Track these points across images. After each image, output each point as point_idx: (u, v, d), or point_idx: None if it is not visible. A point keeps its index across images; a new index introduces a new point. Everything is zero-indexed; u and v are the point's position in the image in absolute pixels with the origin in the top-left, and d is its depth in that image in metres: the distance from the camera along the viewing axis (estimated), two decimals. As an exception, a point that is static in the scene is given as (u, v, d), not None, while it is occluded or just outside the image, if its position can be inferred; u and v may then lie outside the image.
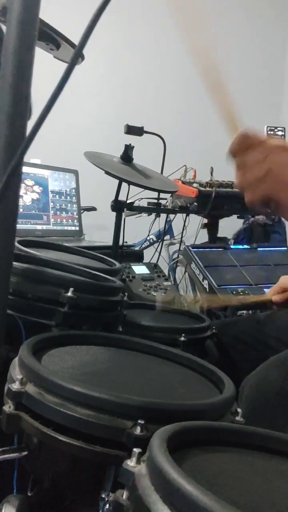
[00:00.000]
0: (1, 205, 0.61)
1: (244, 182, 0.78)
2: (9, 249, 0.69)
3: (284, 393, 0.95)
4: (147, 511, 0.41)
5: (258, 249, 1.83)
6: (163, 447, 0.46)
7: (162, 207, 2.01)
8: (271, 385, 0.98)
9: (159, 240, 2.26)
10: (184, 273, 2.15)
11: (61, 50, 1.09)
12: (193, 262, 1.70)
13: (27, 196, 1.93)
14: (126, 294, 1.03)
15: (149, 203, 2.01)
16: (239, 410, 0.69)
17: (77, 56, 0.53)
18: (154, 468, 0.44)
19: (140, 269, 1.72)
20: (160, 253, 2.15)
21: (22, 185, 1.91)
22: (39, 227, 1.94)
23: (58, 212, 2.03)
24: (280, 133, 2.12)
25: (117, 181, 1.65)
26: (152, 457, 0.45)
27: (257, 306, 1.56)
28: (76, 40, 0.57)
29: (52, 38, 1.04)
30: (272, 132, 2.12)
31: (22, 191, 1.91)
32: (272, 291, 1.34)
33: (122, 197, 1.74)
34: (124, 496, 0.45)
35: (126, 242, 1.95)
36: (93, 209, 2.65)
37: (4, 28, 0.65)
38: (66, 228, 2.06)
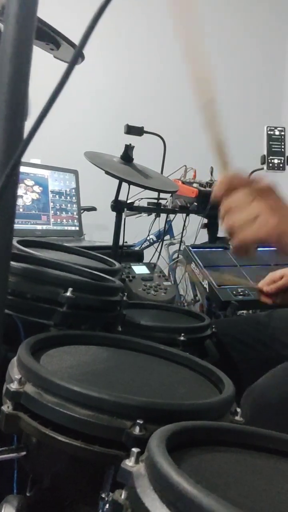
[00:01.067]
0: (-1, 204, 0.61)
1: (232, 224, 0.77)
2: (7, 249, 0.69)
3: (283, 407, 0.95)
4: (145, 510, 0.41)
5: (258, 249, 1.83)
6: (162, 447, 0.46)
7: (162, 207, 2.01)
8: (275, 396, 0.98)
9: (159, 240, 2.26)
10: (184, 273, 2.15)
11: (61, 50, 1.08)
12: (193, 262, 1.69)
13: (27, 196, 1.93)
14: (126, 294, 1.03)
15: (149, 203, 2.01)
16: (238, 410, 0.68)
17: (77, 56, 0.53)
18: (152, 468, 0.44)
19: (140, 269, 1.72)
20: (160, 253, 2.15)
21: (22, 185, 1.91)
22: (39, 227, 1.94)
23: (58, 212, 2.03)
24: (280, 133, 2.12)
25: (117, 181, 1.65)
26: (150, 457, 0.45)
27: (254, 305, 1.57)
28: (76, 40, 0.56)
29: (52, 38, 1.03)
30: (272, 132, 2.12)
31: (22, 191, 1.91)
32: (262, 283, 1.34)
33: (122, 197, 1.74)
34: (123, 496, 0.45)
35: (126, 242, 1.95)
36: (93, 209, 2.65)
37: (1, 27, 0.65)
38: (66, 228, 2.06)
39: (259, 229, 0.75)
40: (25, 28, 0.61)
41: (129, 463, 0.47)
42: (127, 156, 1.62)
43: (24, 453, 0.67)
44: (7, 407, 0.64)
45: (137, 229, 2.20)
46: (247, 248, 0.79)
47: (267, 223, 0.74)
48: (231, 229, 0.77)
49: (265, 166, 2.13)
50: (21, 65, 0.62)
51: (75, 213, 2.11)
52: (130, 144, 1.63)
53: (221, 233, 2.24)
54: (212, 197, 0.80)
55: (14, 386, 0.64)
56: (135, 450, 0.48)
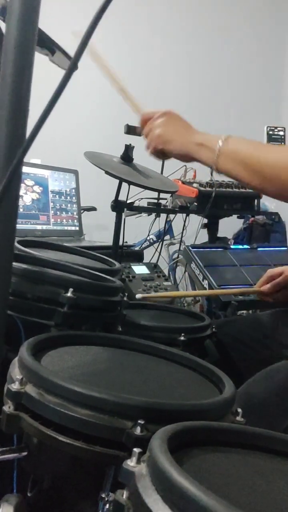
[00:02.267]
0: (1, 206, 0.61)
1: (147, 137, 1.14)
2: (9, 249, 0.69)
3: (267, 407, 0.96)
4: (148, 510, 0.41)
5: (258, 249, 1.83)
6: (164, 447, 0.46)
7: (162, 207, 2.01)
8: (258, 397, 0.98)
9: (159, 240, 2.26)
10: (184, 273, 2.15)
11: (56, 56, 1.09)
12: (193, 262, 1.69)
13: (27, 196, 1.93)
14: (126, 294, 1.03)
15: (149, 203, 2.00)
16: (239, 410, 0.69)
17: (72, 70, 0.53)
18: (154, 468, 0.44)
19: (140, 269, 1.72)
20: (160, 253, 2.15)
21: (22, 185, 1.91)
22: (39, 227, 1.94)
23: (58, 212, 2.03)
24: (280, 133, 2.12)
25: (117, 181, 1.65)
26: (152, 457, 0.45)
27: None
28: (76, 40, 0.56)
29: (46, 45, 1.04)
30: (272, 132, 2.12)
31: (22, 191, 1.91)
32: (260, 283, 1.35)
33: (122, 197, 1.74)
34: (124, 496, 0.45)
35: (126, 242, 1.95)
36: (93, 209, 2.65)
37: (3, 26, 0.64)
38: (66, 228, 2.06)
39: (162, 130, 1.10)
40: (28, 30, 0.61)
41: (130, 463, 0.48)
42: (127, 156, 1.62)
43: (25, 453, 0.67)
44: (8, 407, 0.64)
45: (137, 229, 2.20)
46: (161, 154, 1.13)
47: (167, 128, 1.10)
48: (147, 142, 1.13)
49: (265, 166, 2.12)
50: (24, 66, 0.62)
51: (75, 213, 2.11)
52: (130, 144, 1.63)
53: (221, 233, 2.25)
54: (139, 128, 1.20)
55: (15, 387, 0.64)
56: (136, 450, 0.48)
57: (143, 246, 2.40)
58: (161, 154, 1.12)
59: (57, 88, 0.54)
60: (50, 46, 1.03)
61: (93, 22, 0.52)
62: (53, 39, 1.03)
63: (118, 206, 1.72)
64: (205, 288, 1.61)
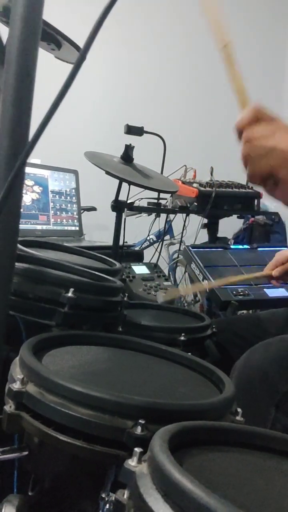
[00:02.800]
0: (4, 207, 0.61)
1: (248, 155, 0.78)
2: (12, 250, 0.69)
3: (267, 377, 0.97)
4: (148, 510, 0.41)
5: (258, 249, 1.84)
6: (164, 446, 0.46)
7: (162, 207, 2.01)
8: (255, 369, 0.99)
9: (159, 240, 2.26)
10: (184, 273, 2.16)
11: (63, 50, 1.08)
12: (193, 262, 1.70)
13: (27, 196, 1.93)
14: (126, 294, 1.04)
15: (149, 203, 2.01)
16: (239, 410, 0.69)
17: (79, 64, 0.53)
18: (155, 467, 0.44)
19: (140, 269, 1.72)
20: (160, 253, 2.16)
21: (22, 185, 1.91)
22: (39, 227, 1.94)
23: (58, 212, 2.03)
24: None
25: (117, 181, 1.65)
26: (153, 456, 0.45)
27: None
28: (77, 39, 0.57)
29: (53, 38, 1.03)
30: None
31: (22, 191, 1.91)
32: (269, 267, 1.35)
33: (122, 197, 1.74)
34: (125, 496, 0.45)
35: (126, 242, 1.95)
36: (93, 209, 2.65)
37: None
38: (66, 228, 2.06)
39: (274, 161, 0.76)
40: (31, 30, 0.61)
41: (131, 463, 0.48)
42: (127, 156, 1.62)
43: (25, 452, 0.67)
44: (9, 407, 0.64)
45: (137, 229, 2.21)
46: (261, 179, 0.80)
47: (282, 156, 0.75)
48: (248, 157, 0.78)
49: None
50: (27, 66, 0.62)
51: (75, 213, 2.12)
52: (130, 144, 1.63)
53: (221, 233, 2.25)
54: (236, 125, 0.81)
55: (16, 386, 0.64)
56: (137, 450, 0.48)
57: (143, 246, 2.41)
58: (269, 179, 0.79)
59: (66, 80, 0.54)
60: (57, 39, 1.02)
61: (102, 13, 0.52)
62: (60, 30, 1.01)
63: (118, 206, 1.72)
64: (205, 288, 1.61)
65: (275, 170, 0.76)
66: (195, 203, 2.00)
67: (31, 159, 2.05)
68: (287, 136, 0.76)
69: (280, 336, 1.08)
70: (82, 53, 0.52)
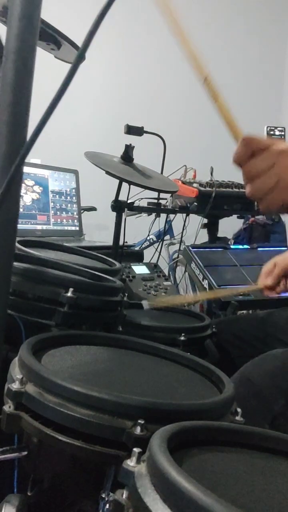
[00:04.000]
0: (2, 206, 0.61)
1: (256, 192, 0.76)
2: (10, 249, 0.69)
3: (261, 395, 0.96)
4: (147, 510, 0.41)
5: (258, 249, 1.84)
6: (163, 447, 0.46)
7: (162, 207, 2.01)
8: (250, 386, 0.99)
9: (159, 240, 2.26)
10: (184, 273, 2.15)
11: (62, 49, 1.08)
12: (193, 262, 1.70)
13: (27, 196, 1.93)
14: (126, 294, 1.03)
15: (149, 203, 2.01)
16: (239, 410, 0.69)
17: (79, 61, 0.53)
18: (154, 467, 0.44)
19: (140, 269, 1.72)
20: (160, 253, 2.15)
21: (22, 185, 1.91)
22: (39, 227, 1.94)
23: (58, 212, 2.03)
24: (280, 133, 2.12)
25: (117, 181, 1.66)
26: (152, 456, 0.45)
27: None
28: (76, 39, 0.57)
29: (53, 38, 1.03)
30: (272, 132, 2.12)
31: (22, 191, 1.90)
32: (261, 279, 1.34)
33: (122, 197, 1.74)
34: (124, 496, 0.45)
35: (126, 242, 1.95)
36: (93, 209, 2.65)
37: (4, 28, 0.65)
38: (66, 228, 2.06)
39: (281, 194, 0.75)
40: (29, 29, 0.61)
41: (130, 463, 0.48)
42: (127, 156, 1.62)
43: (25, 453, 0.67)
44: (9, 407, 0.64)
45: (137, 229, 2.21)
46: (275, 211, 0.82)
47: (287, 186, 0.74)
48: (256, 196, 0.77)
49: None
50: (25, 66, 0.62)
51: (75, 213, 2.12)
52: (130, 144, 1.63)
53: (221, 233, 2.25)
54: (233, 162, 0.78)
55: (15, 386, 0.64)
56: (136, 450, 0.48)
57: (143, 246, 2.41)
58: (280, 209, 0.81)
59: (62, 84, 0.53)
60: (56, 39, 1.02)
61: (101, 12, 0.52)
62: (59, 30, 1.01)
63: (118, 206, 1.72)
64: (205, 288, 1.61)
65: (286, 202, 0.76)
66: (195, 203, 1.99)
67: (31, 159, 2.05)
68: (286, 163, 0.74)
69: (275, 350, 1.08)
70: (81, 52, 0.51)
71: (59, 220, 2.03)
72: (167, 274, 1.91)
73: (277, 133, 2.10)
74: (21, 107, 0.63)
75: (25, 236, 1.43)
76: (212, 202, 1.93)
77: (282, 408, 0.92)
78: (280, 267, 1.30)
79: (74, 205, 2.12)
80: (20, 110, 0.63)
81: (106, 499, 0.61)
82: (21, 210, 1.88)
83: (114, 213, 1.74)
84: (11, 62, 0.61)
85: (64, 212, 2.06)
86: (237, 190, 2.11)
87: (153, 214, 2.28)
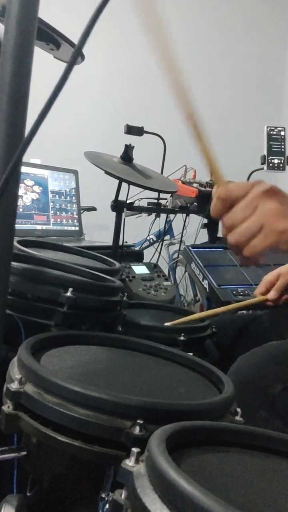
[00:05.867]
0: (0, 206, 0.61)
1: (238, 241, 0.72)
2: (8, 248, 0.69)
3: (259, 378, 0.97)
4: (146, 510, 0.41)
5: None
6: (162, 446, 0.46)
7: (162, 207, 2.01)
8: (247, 373, 0.99)
9: (159, 240, 2.26)
10: (184, 273, 2.15)
11: (61, 50, 1.08)
12: (193, 262, 1.70)
13: (27, 196, 1.93)
14: (126, 294, 1.03)
15: (149, 203, 2.01)
16: (238, 410, 0.69)
17: (76, 56, 0.53)
18: (152, 467, 0.44)
19: (140, 269, 1.72)
20: (160, 253, 2.16)
21: (22, 185, 1.91)
22: (39, 227, 1.94)
23: (58, 212, 2.03)
24: (281, 133, 2.12)
25: (117, 181, 1.66)
26: (150, 456, 0.45)
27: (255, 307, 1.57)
28: (76, 40, 0.57)
29: (52, 38, 1.04)
30: (272, 132, 2.12)
31: (22, 191, 1.91)
32: (261, 291, 1.32)
33: (122, 197, 1.75)
34: (123, 496, 0.45)
35: (126, 242, 1.95)
36: (93, 209, 2.65)
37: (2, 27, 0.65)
38: (66, 228, 2.06)
39: (266, 239, 0.71)
40: (26, 28, 0.61)
41: (129, 463, 0.48)
42: (127, 156, 1.62)
43: (24, 453, 0.67)
44: (8, 407, 0.64)
45: (137, 229, 2.21)
46: (257, 259, 0.76)
47: (273, 231, 0.71)
48: (237, 245, 0.73)
49: (265, 166, 2.13)
50: (23, 65, 0.62)
51: (75, 213, 2.12)
52: (130, 144, 1.63)
53: (221, 233, 2.25)
54: (212, 215, 0.75)
55: (14, 386, 0.64)
56: (135, 450, 0.48)
57: (143, 246, 2.41)
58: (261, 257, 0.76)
59: (59, 81, 0.53)
60: (55, 39, 1.02)
61: (97, 9, 0.52)
62: (59, 30, 1.02)
63: (118, 206, 1.72)
64: (205, 288, 1.61)
65: (273, 247, 0.72)
66: (195, 203, 2.00)
67: (31, 159, 2.06)
68: (269, 206, 0.70)
69: (275, 342, 1.08)
70: (77, 48, 0.51)
71: (59, 220, 2.03)
72: (167, 274, 1.91)
73: (277, 133, 2.10)
74: (19, 107, 0.63)
75: (24, 236, 1.43)
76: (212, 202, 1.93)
77: (279, 392, 0.92)
78: (285, 279, 1.29)
79: (74, 205, 2.12)
80: (18, 110, 0.63)
81: (106, 499, 0.61)
82: (20, 210, 1.88)
83: (114, 213, 1.74)
84: (9, 62, 0.61)
85: (64, 212, 2.06)
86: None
87: (153, 214, 2.28)
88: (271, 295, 1.28)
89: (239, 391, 0.68)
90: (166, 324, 1.14)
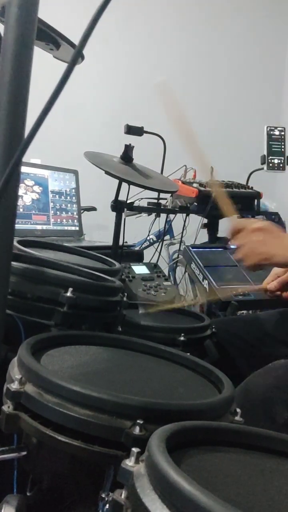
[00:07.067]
0: (0, 206, 0.61)
1: (239, 258, 1.11)
2: (8, 248, 0.69)
3: (266, 404, 0.96)
4: (145, 510, 0.41)
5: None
6: (162, 446, 0.46)
7: (162, 207, 2.01)
8: (255, 396, 0.99)
9: (159, 240, 2.26)
10: (184, 273, 2.15)
11: (61, 50, 1.08)
12: (193, 262, 1.69)
13: (27, 196, 1.93)
14: (126, 294, 1.03)
15: (149, 203, 2.01)
16: (238, 410, 0.69)
17: (76, 57, 0.53)
18: (152, 467, 0.44)
19: (140, 269, 1.72)
20: (160, 253, 2.15)
21: (22, 185, 1.91)
22: (39, 227, 1.94)
23: (58, 212, 2.03)
24: (280, 133, 2.12)
25: (117, 181, 1.65)
26: (150, 456, 0.45)
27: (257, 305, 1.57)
28: (76, 40, 0.57)
29: (52, 38, 1.03)
30: (272, 132, 2.12)
31: (22, 191, 1.91)
32: (268, 280, 1.34)
33: (122, 197, 1.74)
34: (123, 496, 0.45)
35: (126, 242, 1.95)
36: (93, 209, 2.65)
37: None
38: (66, 228, 2.06)
39: (252, 259, 1.08)
40: (26, 28, 0.61)
41: (129, 463, 0.48)
42: (127, 156, 1.62)
43: (24, 453, 0.67)
44: (8, 407, 0.64)
45: (137, 229, 2.20)
46: (258, 266, 1.10)
47: (254, 253, 1.07)
48: (243, 256, 1.09)
49: (265, 166, 2.13)
50: (22, 65, 0.62)
51: (75, 213, 2.11)
52: (130, 144, 1.63)
53: (221, 233, 2.25)
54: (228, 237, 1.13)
55: (14, 386, 0.64)
56: (135, 450, 0.48)
57: (143, 246, 2.40)
58: (259, 266, 1.10)
59: (59, 82, 0.53)
60: (55, 39, 1.02)
61: (98, 10, 0.52)
62: (58, 30, 1.01)
63: (118, 206, 1.72)
64: (205, 288, 1.61)
65: (259, 263, 1.08)
66: (195, 203, 1.99)
67: (31, 159, 2.05)
68: (254, 237, 1.08)
69: (283, 360, 1.07)
70: (78, 49, 0.51)
71: (59, 220, 2.03)
72: (167, 274, 1.91)
73: (277, 133, 2.10)
74: (19, 107, 0.63)
75: (24, 236, 1.43)
76: (212, 202, 1.93)
77: (286, 420, 0.92)
78: None
79: (74, 205, 2.12)
80: (18, 110, 0.63)
81: (106, 499, 0.61)
82: (20, 210, 1.88)
83: (114, 213, 1.73)
84: (9, 62, 0.61)
85: (64, 212, 2.06)
86: (237, 190, 2.10)
87: (153, 214, 2.28)
88: (271, 285, 1.30)
89: (244, 414, 0.69)
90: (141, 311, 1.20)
